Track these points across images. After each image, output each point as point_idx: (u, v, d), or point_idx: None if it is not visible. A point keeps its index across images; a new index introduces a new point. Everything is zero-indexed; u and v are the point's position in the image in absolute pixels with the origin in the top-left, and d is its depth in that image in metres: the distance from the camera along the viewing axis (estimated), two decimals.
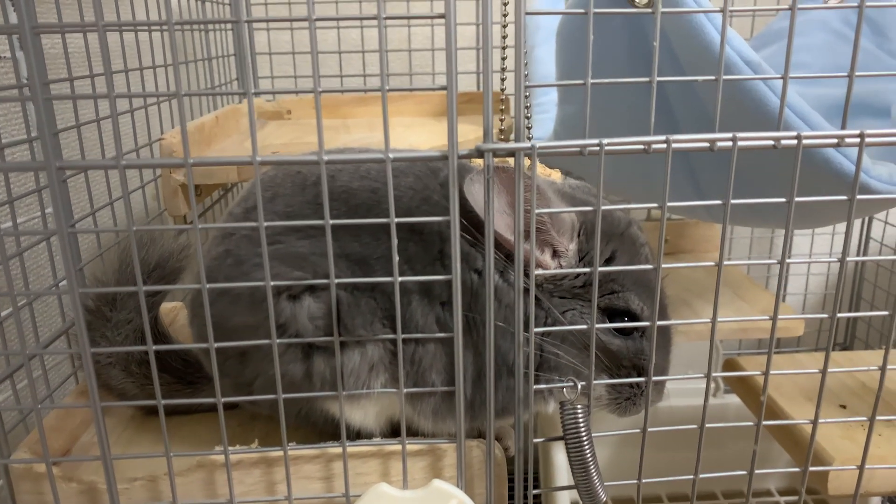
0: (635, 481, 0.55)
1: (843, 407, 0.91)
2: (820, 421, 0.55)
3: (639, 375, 0.55)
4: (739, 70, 0.72)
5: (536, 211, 0.47)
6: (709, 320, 0.51)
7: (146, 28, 0.93)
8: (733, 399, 1.11)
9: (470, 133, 1.10)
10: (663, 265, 0.49)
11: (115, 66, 0.86)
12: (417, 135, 1.08)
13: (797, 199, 0.49)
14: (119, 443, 0.65)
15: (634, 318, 0.55)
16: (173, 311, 0.85)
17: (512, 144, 0.46)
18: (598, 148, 0.46)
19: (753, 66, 0.71)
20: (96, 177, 0.89)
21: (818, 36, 1.16)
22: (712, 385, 0.53)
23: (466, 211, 0.49)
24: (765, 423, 0.56)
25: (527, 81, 0.93)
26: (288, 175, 0.58)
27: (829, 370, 0.56)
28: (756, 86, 0.70)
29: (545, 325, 0.53)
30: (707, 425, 0.53)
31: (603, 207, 0.48)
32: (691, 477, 0.55)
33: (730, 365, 0.99)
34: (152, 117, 0.96)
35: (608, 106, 0.85)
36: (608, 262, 0.54)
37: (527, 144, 0.45)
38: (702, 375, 0.53)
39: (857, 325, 1.50)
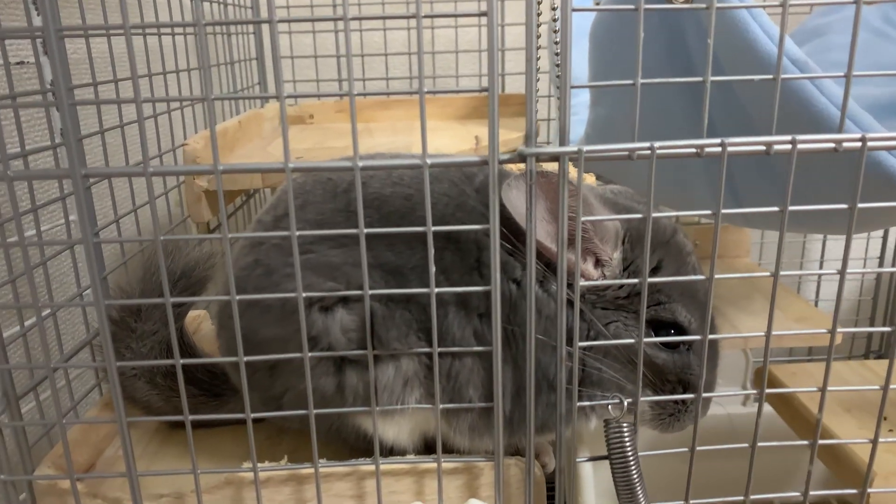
0: (682, 502, 0.52)
1: (885, 419, 0.88)
2: (881, 440, 0.52)
3: (684, 390, 0.52)
4: (785, 69, 0.69)
5: (583, 219, 0.45)
6: (762, 334, 0.48)
7: (170, 32, 0.92)
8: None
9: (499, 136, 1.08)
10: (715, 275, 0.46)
11: (139, 70, 0.85)
12: (441, 139, 1.06)
13: (861, 205, 0.46)
14: (144, 456, 0.63)
15: (681, 330, 0.52)
16: (196, 319, 0.83)
17: (556, 149, 0.44)
18: (648, 152, 0.43)
19: (800, 65, 0.69)
20: (119, 182, 0.88)
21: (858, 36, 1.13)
22: (742, 395, 0.50)
23: (504, 218, 0.47)
24: (822, 442, 0.53)
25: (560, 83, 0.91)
26: (318, 182, 0.56)
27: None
28: (802, 86, 0.67)
29: (587, 338, 0.51)
30: (760, 444, 0.50)
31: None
32: (741, 498, 0.52)
33: (762, 375, 0.95)
34: (175, 122, 0.94)
35: (643, 109, 0.83)
36: (654, 271, 0.52)
37: (572, 148, 0.43)
38: (753, 391, 0.50)
39: (894, 333, 1.46)
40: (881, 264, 1.44)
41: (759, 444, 0.51)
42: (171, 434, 0.66)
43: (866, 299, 1.49)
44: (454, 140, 1.05)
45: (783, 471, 1.28)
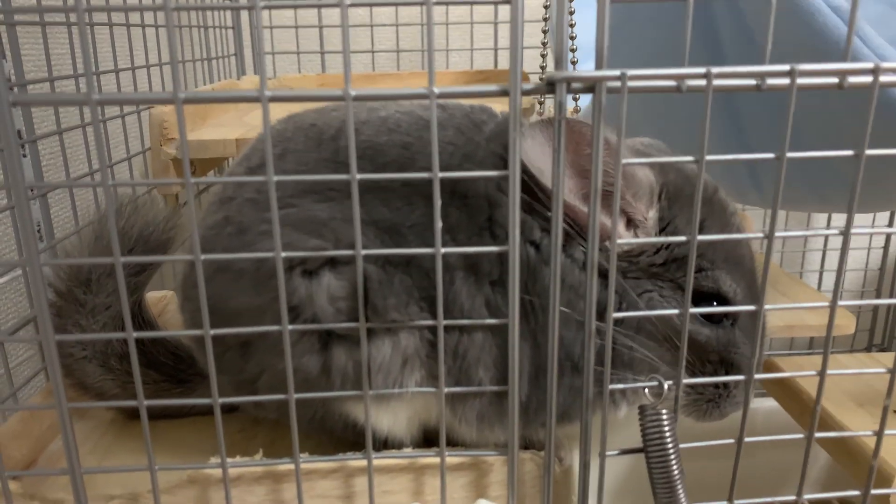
0: (725, 502, 0.45)
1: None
2: (887, 433, 0.45)
3: (727, 371, 0.45)
4: (825, 17, 0.62)
5: (623, 162, 0.37)
6: (827, 304, 0.41)
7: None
8: (763, 403, 1.01)
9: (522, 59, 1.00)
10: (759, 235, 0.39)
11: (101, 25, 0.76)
12: None
13: (869, 151, 0.38)
14: (96, 452, 0.55)
15: (725, 301, 0.45)
16: (163, 300, 0.75)
17: (592, 73, 0.36)
18: (703, 81, 0.36)
19: (841, 13, 0.62)
20: (78, 154, 0.78)
21: (872, 8, 1.07)
22: None
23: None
24: (819, 435, 0.46)
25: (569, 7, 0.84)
26: (300, 129, 0.48)
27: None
28: (835, 29, 0.61)
29: (618, 311, 0.43)
30: (749, 439, 0.43)
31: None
32: (793, 498, 0.45)
33: (765, 366, 0.89)
34: (142, 85, 0.86)
35: (654, 50, 0.76)
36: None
37: (614, 72, 0.35)
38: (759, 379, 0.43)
39: None
40: (885, 255, 1.39)
41: (747, 439, 0.43)
42: (128, 426, 0.58)
43: (869, 290, 1.44)
44: None
45: (789, 468, 1.22)
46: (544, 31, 0.69)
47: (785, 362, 0.97)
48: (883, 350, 1.43)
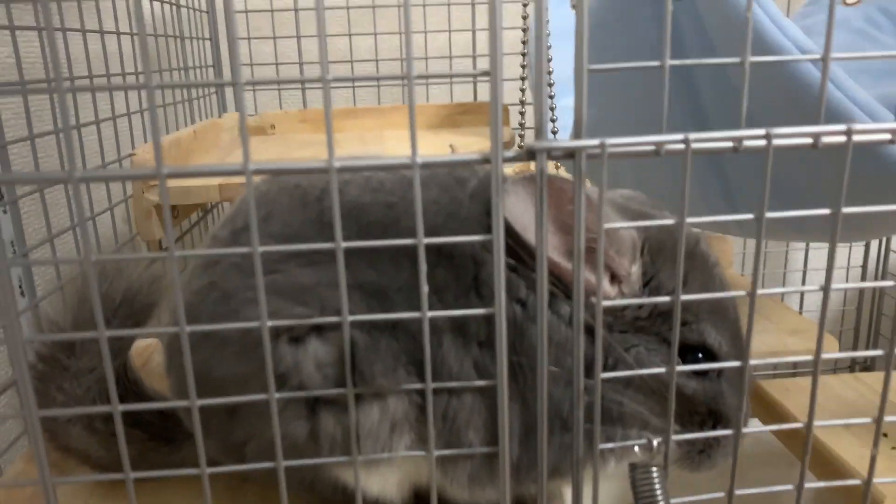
0: None
1: (885, 435, 0.83)
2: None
3: (715, 423, 0.45)
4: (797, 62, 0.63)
5: (605, 226, 0.37)
6: (809, 357, 0.42)
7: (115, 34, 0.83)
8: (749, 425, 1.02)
9: (473, 146, 1.01)
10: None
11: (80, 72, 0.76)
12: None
13: (846, 209, 0.39)
14: None
15: (710, 353, 0.45)
16: (147, 350, 0.74)
17: (573, 142, 0.36)
18: (681, 146, 0.36)
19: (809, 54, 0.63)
20: (58, 202, 0.78)
21: (840, 36, 1.10)
22: None
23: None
24: (808, 485, 0.46)
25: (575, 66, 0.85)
26: (284, 190, 0.48)
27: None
28: (805, 74, 0.62)
29: (606, 367, 0.44)
30: (765, 487, 0.43)
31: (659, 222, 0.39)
32: None
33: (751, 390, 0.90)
34: (123, 133, 0.85)
35: (633, 107, 0.77)
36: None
37: (593, 141, 0.36)
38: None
39: (878, 345, 1.42)
40: (864, 275, 1.41)
41: (738, 492, 0.43)
42: (113, 489, 0.57)
43: (850, 309, 1.46)
44: (427, 149, 0.97)
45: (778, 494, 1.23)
46: (522, 90, 0.70)
47: (770, 385, 0.97)
48: (866, 369, 1.44)
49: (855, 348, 1.41)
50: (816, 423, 0.43)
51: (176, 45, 1.06)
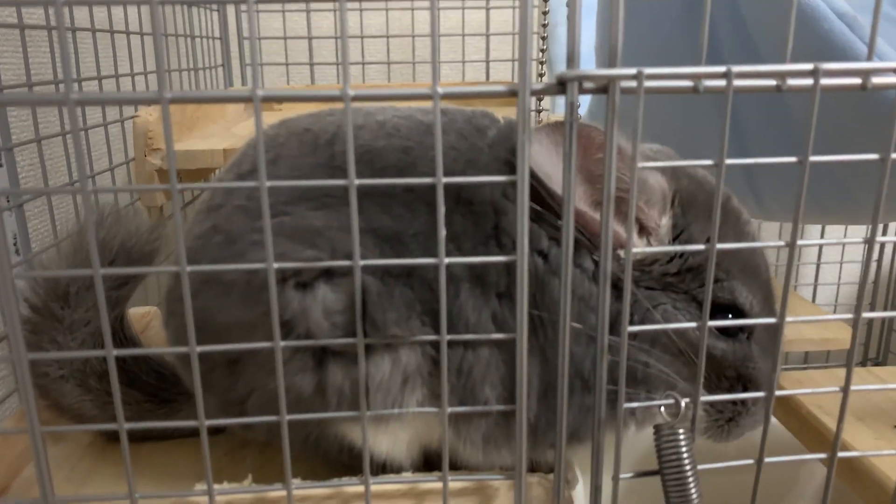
0: None
1: None
2: None
3: (744, 388, 0.43)
4: (830, 24, 0.61)
5: (639, 165, 0.35)
6: (849, 316, 0.39)
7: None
8: None
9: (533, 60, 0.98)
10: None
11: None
12: None
13: (813, 157, 0.36)
14: (73, 477, 0.51)
15: (740, 313, 0.43)
16: (146, 316, 0.72)
17: (606, 71, 0.34)
18: (722, 81, 0.34)
19: (847, 19, 0.61)
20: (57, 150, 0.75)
21: (867, 21, 1.07)
22: None
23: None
24: (842, 454, 0.43)
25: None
26: (293, 133, 0.45)
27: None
28: (841, 35, 0.60)
29: (632, 324, 0.41)
30: (770, 459, 0.40)
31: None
32: None
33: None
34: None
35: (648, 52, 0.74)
36: (709, 242, 0.42)
37: (629, 70, 0.33)
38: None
39: (890, 339, 1.40)
40: (879, 268, 1.38)
41: (768, 459, 0.41)
42: (107, 449, 0.55)
43: (863, 303, 1.43)
44: None
45: (784, 485, 1.20)
46: (543, 38, 0.67)
47: (781, 377, 0.95)
48: (878, 364, 1.42)
49: (868, 341, 1.38)
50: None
51: (183, 13, 1.04)
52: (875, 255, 1.37)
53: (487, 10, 1.17)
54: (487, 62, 1.20)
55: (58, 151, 0.73)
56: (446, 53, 1.24)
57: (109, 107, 0.77)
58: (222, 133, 0.89)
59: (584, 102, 0.82)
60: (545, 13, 0.72)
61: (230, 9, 1.17)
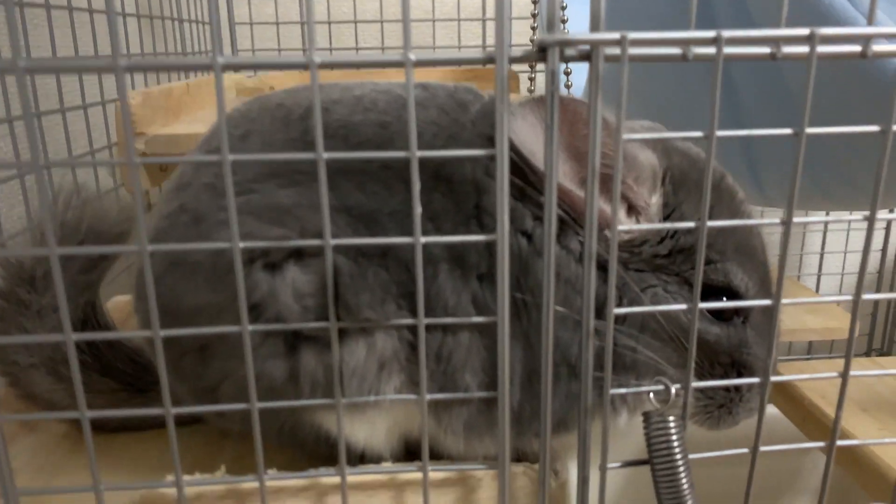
0: None
1: None
2: None
3: (739, 374, 0.41)
4: None
5: (624, 137, 0.33)
6: (850, 297, 0.37)
7: None
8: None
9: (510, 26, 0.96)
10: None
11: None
12: None
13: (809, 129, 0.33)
14: (44, 470, 0.50)
15: (735, 296, 0.41)
16: (127, 305, 0.70)
17: (588, 35, 0.32)
18: (712, 48, 0.32)
19: None
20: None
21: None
22: None
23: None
24: (841, 443, 0.41)
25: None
26: (266, 109, 0.43)
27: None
28: (841, 8, 0.58)
29: (619, 307, 0.39)
30: (765, 448, 0.38)
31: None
32: None
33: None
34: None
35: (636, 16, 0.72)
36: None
37: (612, 35, 0.31)
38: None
39: None
40: (883, 258, 1.36)
41: (763, 448, 0.39)
42: (81, 440, 0.52)
43: (868, 292, 1.41)
44: None
45: (788, 476, 1.18)
46: (534, 1, 0.65)
47: (784, 367, 0.93)
48: (883, 354, 1.40)
49: (872, 331, 1.36)
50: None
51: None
52: (880, 244, 1.34)
53: None
54: (484, 48, 1.18)
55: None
56: (417, 39, 1.22)
57: (88, 88, 0.75)
58: (209, 118, 0.87)
59: (582, 74, 0.80)
60: None
61: None
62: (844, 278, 1.39)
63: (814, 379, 0.44)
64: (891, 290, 1.37)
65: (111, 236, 0.47)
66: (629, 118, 0.45)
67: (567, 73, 0.75)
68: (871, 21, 0.35)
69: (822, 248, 1.35)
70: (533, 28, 0.71)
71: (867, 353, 1.39)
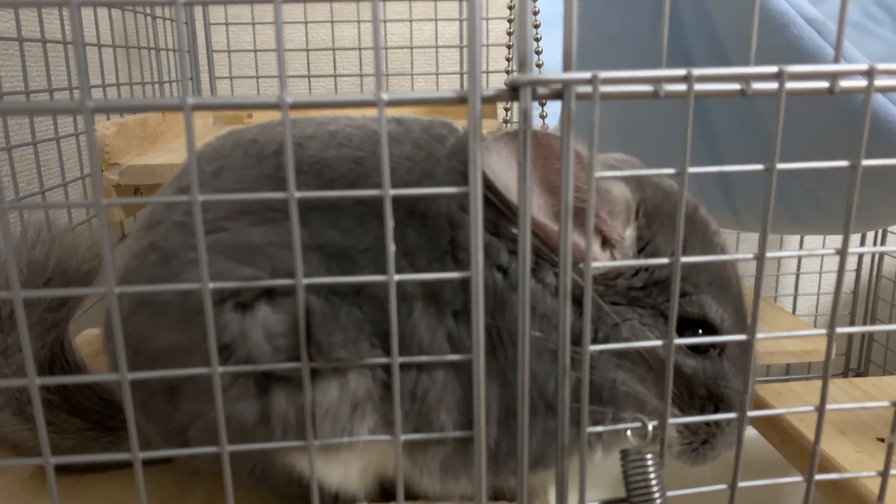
0: None
1: (882, 440, 0.80)
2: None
3: (716, 407, 0.41)
4: (799, 29, 0.59)
5: (596, 175, 0.33)
6: (824, 332, 0.37)
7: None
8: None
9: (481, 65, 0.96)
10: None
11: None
12: None
13: (865, 162, 0.34)
14: None
15: (711, 328, 0.41)
16: (100, 339, 0.68)
17: (559, 75, 0.32)
18: (683, 85, 0.32)
19: (816, 25, 0.59)
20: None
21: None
22: None
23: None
24: (819, 477, 0.41)
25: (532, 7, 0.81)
26: (239, 144, 0.43)
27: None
28: (811, 41, 0.59)
29: (596, 342, 0.39)
30: (744, 484, 0.38)
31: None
32: None
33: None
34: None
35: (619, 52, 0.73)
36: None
37: (584, 74, 0.31)
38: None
39: (872, 349, 1.39)
40: (857, 278, 1.37)
41: (742, 484, 0.38)
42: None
43: (843, 314, 1.42)
44: None
45: (769, 495, 1.19)
46: (509, 34, 0.66)
47: (762, 389, 0.93)
48: (859, 375, 1.41)
49: (849, 352, 1.37)
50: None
51: (146, 24, 1.02)
52: (853, 266, 1.36)
53: (436, 21, 1.16)
54: (437, 75, 1.19)
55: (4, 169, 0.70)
56: (394, 65, 1.23)
57: (62, 119, 0.74)
58: (185, 148, 0.87)
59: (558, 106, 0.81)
60: (510, 21, 0.70)
61: (198, 24, 1.15)
62: (821, 298, 1.41)
63: (792, 413, 0.44)
64: (866, 309, 1.39)
65: (80, 275, 0.46)
66: (603, 150, 0.45)
67: (542, 104, 0.75)
68: (838, 59, 0.35)
69: (798, 269, 1.37)
70: (508, 59, 0.71)
71: (844, 374, 1.40)
